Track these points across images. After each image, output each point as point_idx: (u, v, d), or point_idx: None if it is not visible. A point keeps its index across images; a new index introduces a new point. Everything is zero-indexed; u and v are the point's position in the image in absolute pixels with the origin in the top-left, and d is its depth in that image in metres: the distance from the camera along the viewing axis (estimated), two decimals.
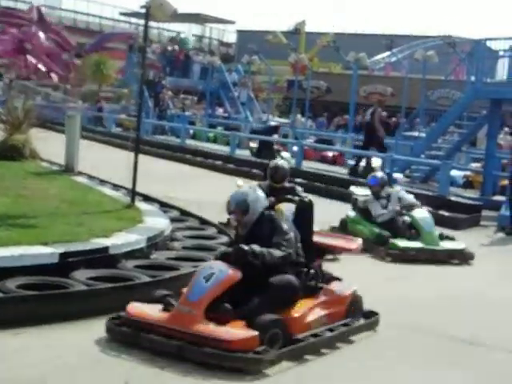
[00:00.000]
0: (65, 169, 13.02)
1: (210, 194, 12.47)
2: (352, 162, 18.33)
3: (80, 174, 12.77)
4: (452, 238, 10.04)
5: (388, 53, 33.19)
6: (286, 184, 9.62)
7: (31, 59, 10.32)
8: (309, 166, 18.14)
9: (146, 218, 8.74)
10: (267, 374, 4.94)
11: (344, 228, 10.38)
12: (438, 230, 10.06)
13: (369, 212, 10.26)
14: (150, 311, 5.33)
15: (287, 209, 8.86)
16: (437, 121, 20.41)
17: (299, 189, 10.07)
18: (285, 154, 15.82)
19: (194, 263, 7.02)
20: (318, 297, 5.86)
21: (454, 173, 16.58)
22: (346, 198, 14.24)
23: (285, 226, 5.73)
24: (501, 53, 16.91)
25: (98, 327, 5.46)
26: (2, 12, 12.27)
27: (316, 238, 6.25)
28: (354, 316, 6.05)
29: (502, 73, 17.29)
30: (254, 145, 21.14)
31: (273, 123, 24.45)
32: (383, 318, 6.25)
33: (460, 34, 35.09)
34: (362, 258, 9.16)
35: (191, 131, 26.52)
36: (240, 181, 11.79)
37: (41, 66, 10.49)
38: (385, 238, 9.61)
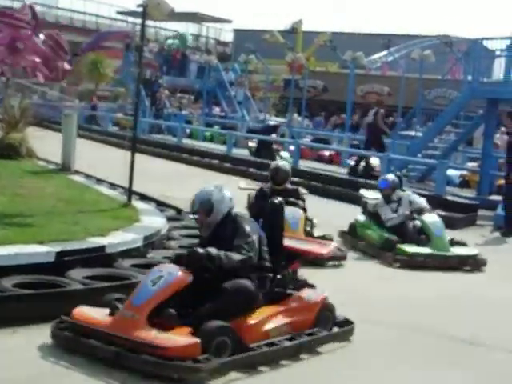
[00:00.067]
0: (61, 167, 12.99)
1: None
2: (352, 162, 18.33)
3: (77, 172, 12.74)
4: (464, 244, 9.60)
5: (385, 52, 33.14)
6: (289, 186, 9.42)
7: (20, 59, 10.26)
8: (305, 165, 18.13)
9: (142, 217, 8.71)
10: None
11: (353, 233, 10.06)
12: (448, 235, 9.60)
13: (379, 216, 9.83)
14: (96, 315, 5.11)
15: (290, 212, 8.82)
16: (433, 120, 20.37)
17: (303, 191, 9.87)
18: (284, 154, 15.75)
19: None
20: (284, 304, 5.53)
21: (451, 172, 16.57)
22: (345, 197, 14.32)
23: (247, 229, 5.42)
24: (497, 52, 16.88)
25: None
26: (1, 13, 12.25)
27: (287, 242, 5.91)
28: (325, 325, 5.69)
29: (498, 72, 17.26)
30: (253, 144, 21.12)
31: (272, 122, 24.42)
32: (383, 317, 6.23)
33: (457, 34, 35.16)
34: (371, 263, 9.07)
35: (188, 130, 26.50)
36: (242, 183, 11.75)
37: (27, 64, 10.45)
38: (392, 243, 9.19)
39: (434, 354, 5.77)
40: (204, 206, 5.51)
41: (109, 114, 27.84)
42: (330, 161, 21.65)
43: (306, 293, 5.77)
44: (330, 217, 10.96)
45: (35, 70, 10.86)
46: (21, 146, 13.58)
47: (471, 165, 18.59)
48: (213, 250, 5.20)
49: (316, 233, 9.10)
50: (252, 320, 5.18)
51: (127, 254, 7.19)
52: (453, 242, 9.48)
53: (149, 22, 27.00)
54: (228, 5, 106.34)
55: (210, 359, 4.68)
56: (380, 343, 5.91)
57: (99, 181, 12.04)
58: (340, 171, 18.16)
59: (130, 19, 45.17)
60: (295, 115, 30.52)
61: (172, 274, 5.09)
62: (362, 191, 11.30)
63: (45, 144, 15.08)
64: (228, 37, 56.25)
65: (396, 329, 6.33)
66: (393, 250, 9.11)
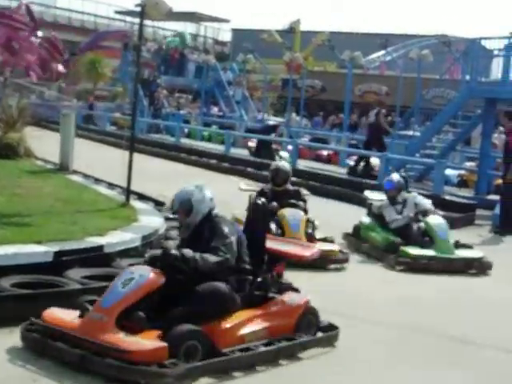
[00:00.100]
0: (59, 167, 12.96)
1: None
2: (351, 162, 18.31)
3: (75, 172, 12.71)
4: (469, 246, 9.49)
5: (383, 52, 33.18)
6: (290, 187, 9.32)
7: (14, 59, 10.23)
8: (304, 164, 18.13)
9: (140, 217, 8.71)
10: None
11: (357, 235, 9.92)
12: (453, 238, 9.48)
13: (384, 218, 9.64)
14: (66, 317, 5.00)
15: (290, 214, 8.77)
16: (431, 120, 20.38)
17: (305, 192, 9.76)
18: (284, 154, 15.72)
19: None
20: (264, 307, 5.35)
21: (449, 172, 16.58)
22: (344, 197, 14.31)
23: (225, 230, 5.27)
24: (495, 52, 16.91)
25: None
26: (0, 14, 12.23)
27: (269, 244, 5.72)
28: (308, 329, 5.52)
29: (496, 72, 17.29)
30: (252, 144, 21.10)
31: (271, 122, 24.39)
32: (383, 318, 6.21)
33: (455, 33, 35.16)
34: (374, 267, 9.00)
35: (186, 130, 26.48)
36: (243, 184, 11.68)
37: (21, 63, 10.42)
38: (395, 246, 9.03)
39: (434, 354, 5.76)
40: (184, 205, 5.40)
41: (107, 114, 27.80)
42: (328, 160, 21.67)
43: (288, 296, 5.58)
44: (330, 217, 10.94)
45: (28, 70, 10.85)
46: (19, 145, 13.55)
47: (469, 164, 18.61)
48: (187, 252, 5.08)
49: (317, 235, 8.99)
50: (226, 324, 5.03)
51: (125, 253, 7.16)
52: (458, 245, 9.37)
53: (147, 22, 26.81)
54: (226, 4, 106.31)
55: (177, 364, 4.55)
56: (380, 343, 5.89)
57: (97, 180, 12.02)
58: (339, 171, 18.16)
59: (128, 19, 45.09)
60: (293, 115, 30.50)
61: (143, 276, 4.97)
62: (367, 193, 11.17)
63: (43, 144, 15.06)
64: (226, 36, 56.28)
65: (396, 329, 6.32)
66: (396, 252, 8.95)
